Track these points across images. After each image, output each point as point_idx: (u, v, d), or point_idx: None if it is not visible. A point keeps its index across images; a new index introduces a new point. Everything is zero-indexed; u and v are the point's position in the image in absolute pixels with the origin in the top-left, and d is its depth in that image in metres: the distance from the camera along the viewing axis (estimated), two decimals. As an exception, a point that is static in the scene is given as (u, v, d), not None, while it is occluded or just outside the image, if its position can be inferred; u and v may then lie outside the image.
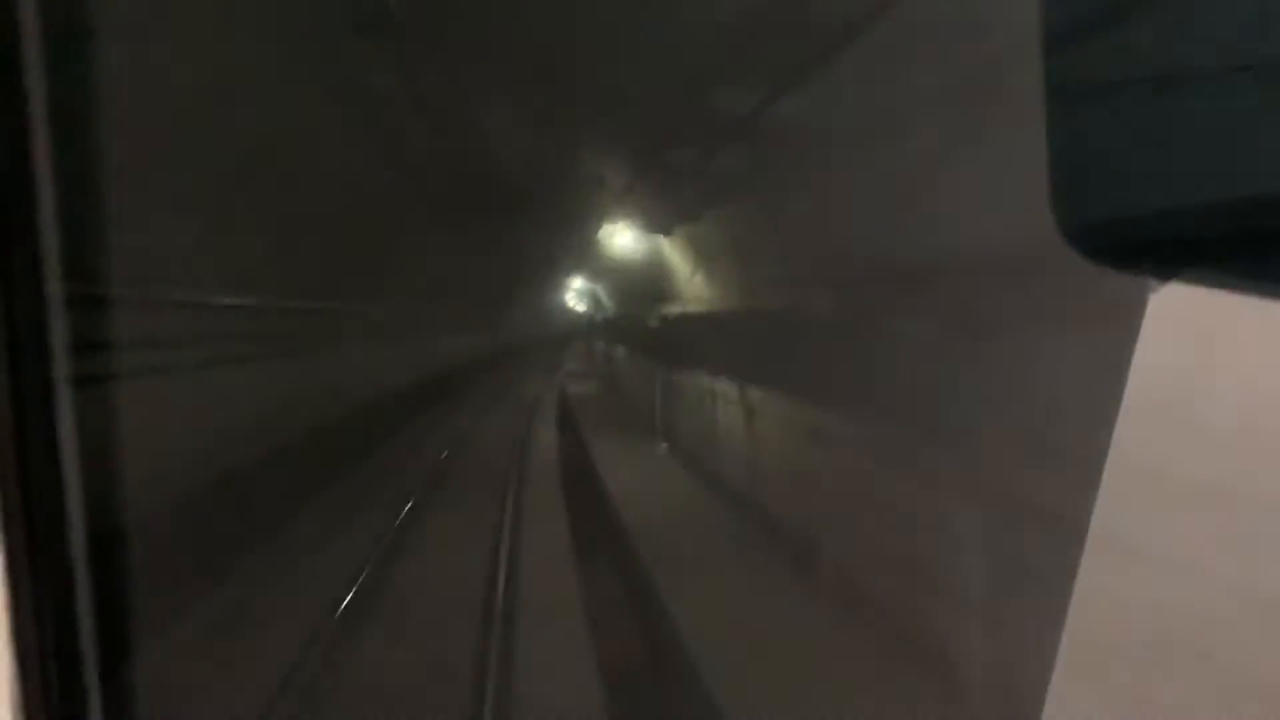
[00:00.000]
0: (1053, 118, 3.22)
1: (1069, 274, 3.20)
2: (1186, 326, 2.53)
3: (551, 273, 27.15)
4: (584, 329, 33.35)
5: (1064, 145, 3.18)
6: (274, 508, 9.06)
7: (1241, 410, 2.36)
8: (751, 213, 7.52)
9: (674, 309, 12.35)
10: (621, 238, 13.22)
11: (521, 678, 6.12)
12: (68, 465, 1.17)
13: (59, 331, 1.19)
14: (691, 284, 10.92)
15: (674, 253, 11.40)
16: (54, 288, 1.21)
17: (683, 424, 12.73)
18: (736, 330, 9.01)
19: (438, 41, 6.61)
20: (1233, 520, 2.31)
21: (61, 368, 1.17)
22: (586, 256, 19.53)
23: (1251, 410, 2.34)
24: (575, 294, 30.27)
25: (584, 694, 5.86)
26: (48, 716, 1.05)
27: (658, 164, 8.49)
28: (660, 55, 5.89)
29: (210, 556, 7.16)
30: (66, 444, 1.17)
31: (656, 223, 10.96)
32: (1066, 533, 2.52)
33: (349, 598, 7.53)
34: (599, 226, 13.80)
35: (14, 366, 1.10)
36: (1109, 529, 2.46)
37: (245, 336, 8.25)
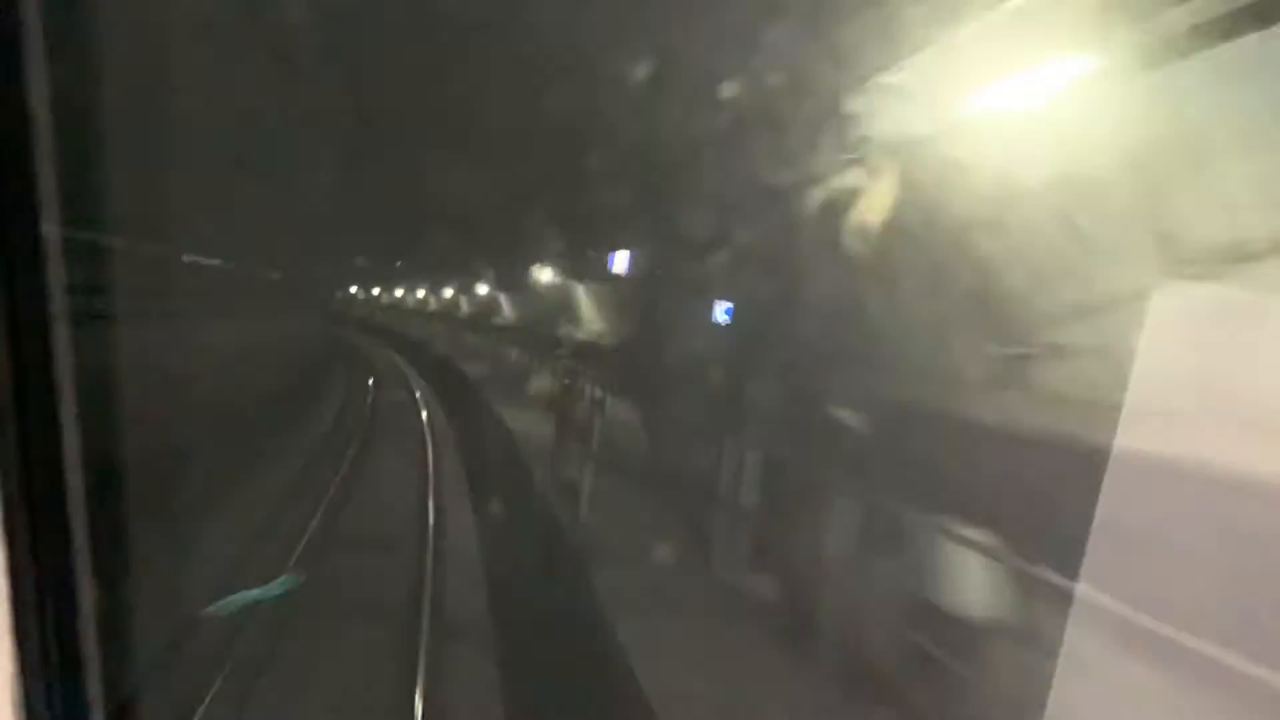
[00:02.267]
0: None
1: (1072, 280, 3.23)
2: (1188, 326, 2.56)
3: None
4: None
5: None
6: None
7: (1244, 407, 2.39)
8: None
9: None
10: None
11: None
12: (68, 447, 1.04)
13: (56, 274, 1.06)
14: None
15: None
16: (51, 231, 1.08)
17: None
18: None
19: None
20: (1235, 516, 2.33)
21: (60, 309, 1.04)
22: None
23: (1253, 407, 2.37)
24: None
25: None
26: (49, 715, 0.93)
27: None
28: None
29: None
30: (66, 400, 1.04)
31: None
32: (1070, 533, 2.52)
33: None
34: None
35: (11, 309, 0.98)
36: (1112, 530, 2.46)
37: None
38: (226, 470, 9.55)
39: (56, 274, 1.04)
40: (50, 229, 1.10)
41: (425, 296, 40.34)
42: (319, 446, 14.23)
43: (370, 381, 22.75)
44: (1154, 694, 2.49)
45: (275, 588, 7.05)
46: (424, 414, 18.47)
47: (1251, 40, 2.38)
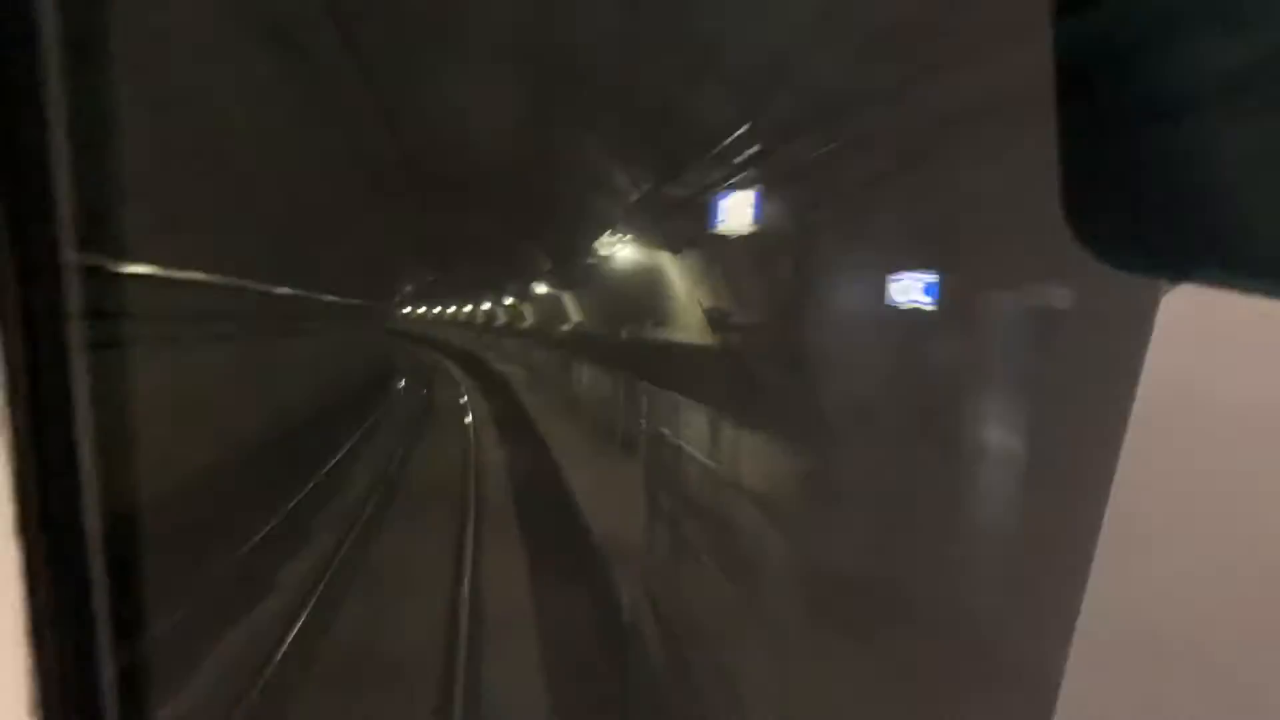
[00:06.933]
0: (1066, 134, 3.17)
1: (1080, 284, 3.21)
2: (1197, 330, 2.53)
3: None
4: None
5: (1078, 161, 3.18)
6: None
7: (1252, 415, 2.37)
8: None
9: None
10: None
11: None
12: (82, 447, 1.10)
13: (75, 302, 1.11)
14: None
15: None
16: (69, 258, 1.14)
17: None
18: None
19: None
20: (1242, 524, 2.31)
21: (77, 338, 1.10)
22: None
23: (1262, 414, 2.34)
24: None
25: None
26: (64, 715, 0.98)
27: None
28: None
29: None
30: (82, 421, 1.10)
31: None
32: (1078, 539, 2.51)
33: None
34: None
35: (29, 336, 1.03)
36: (1121, 535, 2.45)
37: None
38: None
39: (75, 300, 1.09)
40: (69, 254, 1.16)
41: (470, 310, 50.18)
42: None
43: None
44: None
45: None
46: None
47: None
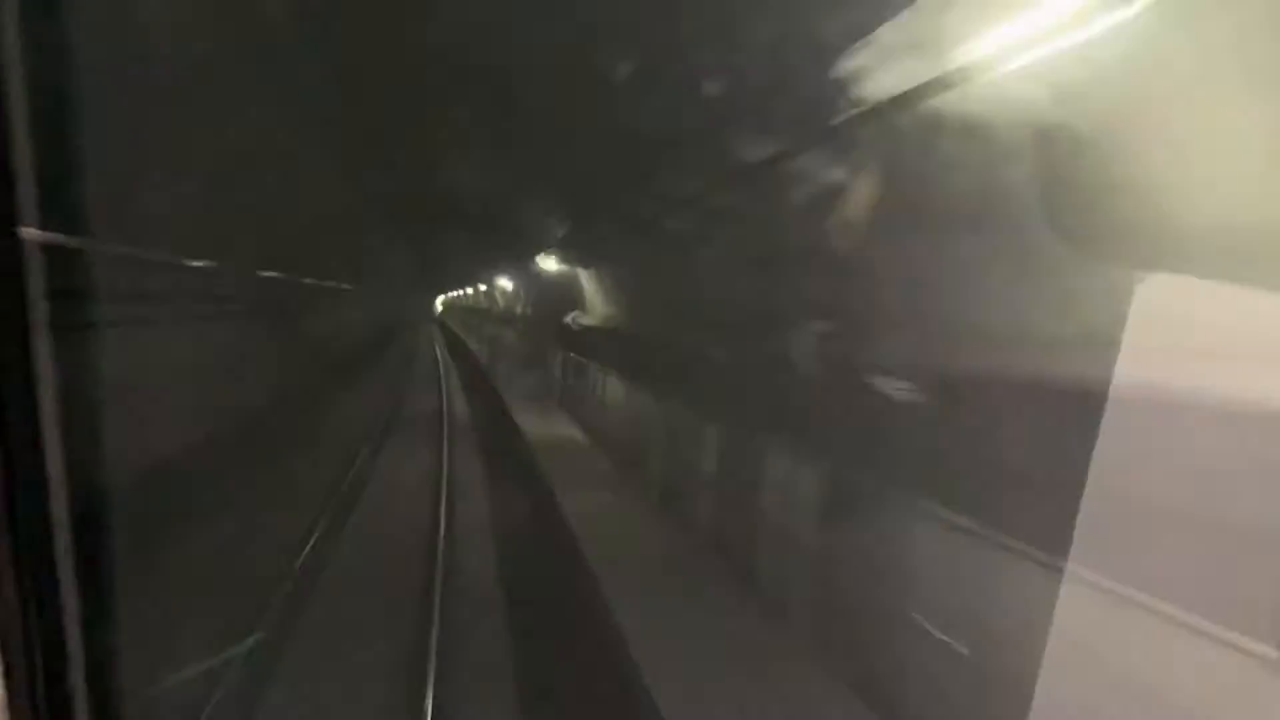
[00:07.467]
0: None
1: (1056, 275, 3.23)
2: (1170, 321, 2.57)
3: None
4: None
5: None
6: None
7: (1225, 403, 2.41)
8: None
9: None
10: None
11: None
12: (50, 446, 1.05)
13: (36, 280, 1.06)
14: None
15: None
16: (30, 235, 1.08)
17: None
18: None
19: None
20: (1216, 507, 2.35)
21: (39, 316, 1.04)
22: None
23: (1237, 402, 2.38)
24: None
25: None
26: (33, 715, 0.94)
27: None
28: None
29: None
30: (47, 411, 1.05)
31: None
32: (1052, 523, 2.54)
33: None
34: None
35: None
36: (1096, 525, 2.48)
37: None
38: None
39: (36, 279, 1.03)
40: (29, 232, 1.10)
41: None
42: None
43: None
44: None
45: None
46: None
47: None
